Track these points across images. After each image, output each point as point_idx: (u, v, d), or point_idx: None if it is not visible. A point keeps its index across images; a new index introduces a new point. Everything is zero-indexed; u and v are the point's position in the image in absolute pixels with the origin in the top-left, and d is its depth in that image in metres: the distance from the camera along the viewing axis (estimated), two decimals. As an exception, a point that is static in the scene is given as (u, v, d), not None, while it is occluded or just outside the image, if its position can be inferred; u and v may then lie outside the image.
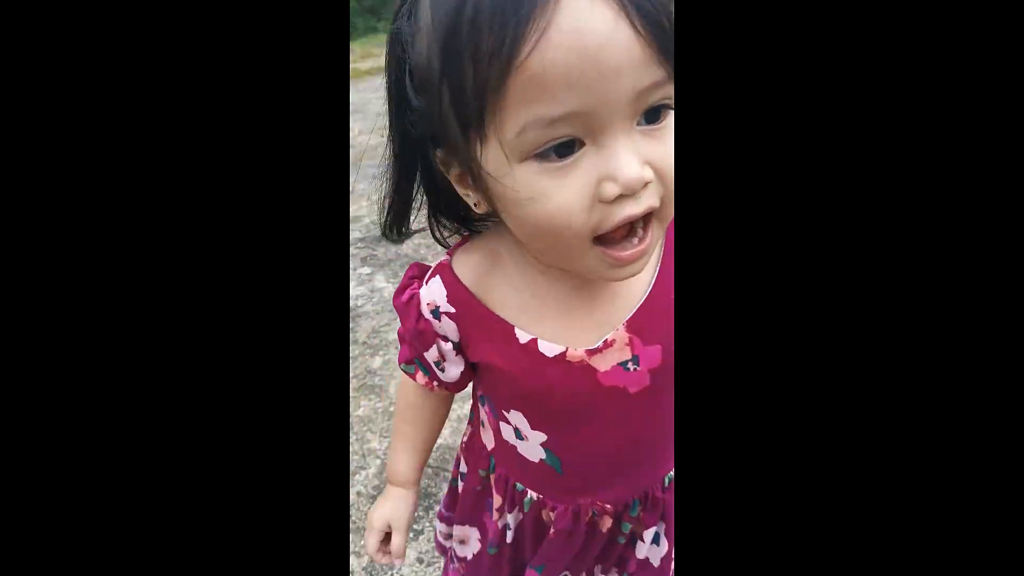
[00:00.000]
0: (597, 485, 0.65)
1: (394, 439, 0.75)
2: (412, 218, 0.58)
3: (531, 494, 0.68)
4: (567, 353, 0.56)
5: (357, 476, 1.43)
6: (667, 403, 0.59)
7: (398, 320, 0.63)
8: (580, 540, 0.67)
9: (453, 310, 0.59)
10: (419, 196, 0.57)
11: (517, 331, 0.57)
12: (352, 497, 1.38)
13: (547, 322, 0.57)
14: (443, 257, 0.61)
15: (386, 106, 0.51)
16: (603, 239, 0.45)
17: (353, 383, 1.71)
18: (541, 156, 0.42)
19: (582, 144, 0.42)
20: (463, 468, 0.76)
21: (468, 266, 0.59)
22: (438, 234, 0.61)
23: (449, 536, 0.80)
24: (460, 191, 0.52)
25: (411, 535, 1.25)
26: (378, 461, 1.47)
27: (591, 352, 0.56)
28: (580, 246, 0.45)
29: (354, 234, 2.54)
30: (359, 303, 2.04)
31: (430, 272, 0.61)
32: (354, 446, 1.50)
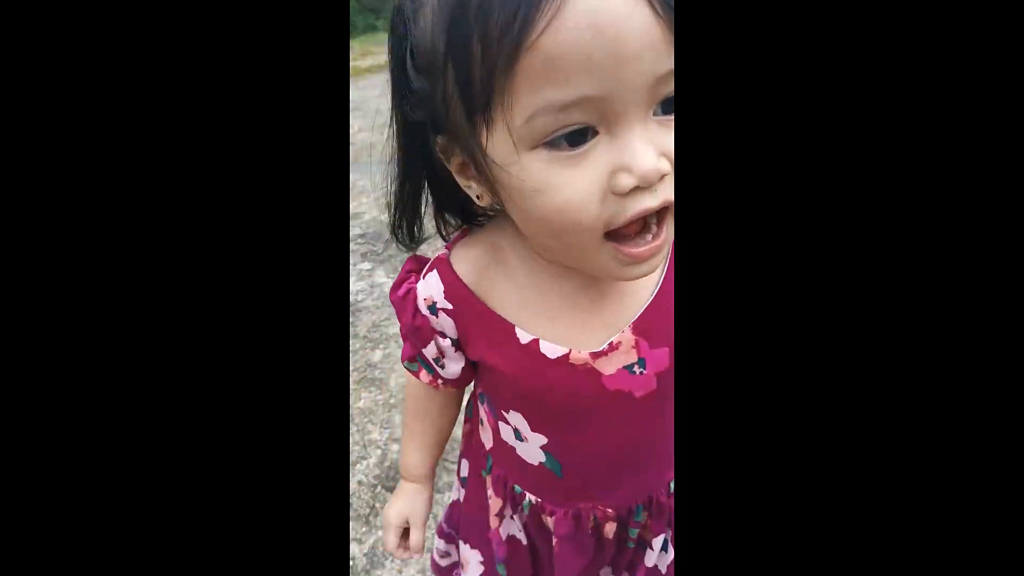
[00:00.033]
0: (598, 489, 0.61)
1: (404, 436, 0.71)
2: (422, 212, 0.54)
3: (530, 497, 0.64)
4: (570, 355, 0.52)
5: (358, 466, 1.43)
6: (673, 407, 0.54)
7: (399, 315, 0.59)
8: (590, 550, 0.64)
9: (451, 306, 0.55)
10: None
11: (518, 331, 0.53)
12: (353, 486, 1.38)
13: (550, 322, 0.53)
14: (441, 250, 0.58)
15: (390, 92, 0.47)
16: (615, 235, 0.42)
17: (354, 376, 1.70)
18: (551, 144, 0.39)
19: (595, 133, 0.39)
20: (464, 472, 0.73)
21: (467, 261, 0.55)
22: (444, 231, 0.57)
23: (446, 555, 0.77)
24: (461, 182, 0.48)
25: (411, 523, 1.25)
26: (378, 451, 1.47)
27: (596, 355, 0.52)
28: (591, 241, 0.42)
29: (354, 230, 2.53)
30: (359, 298, 2.04)
31: (427, 266, 0.57)
32: (355, 437, 1.50)
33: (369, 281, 2.12)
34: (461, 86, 0.39)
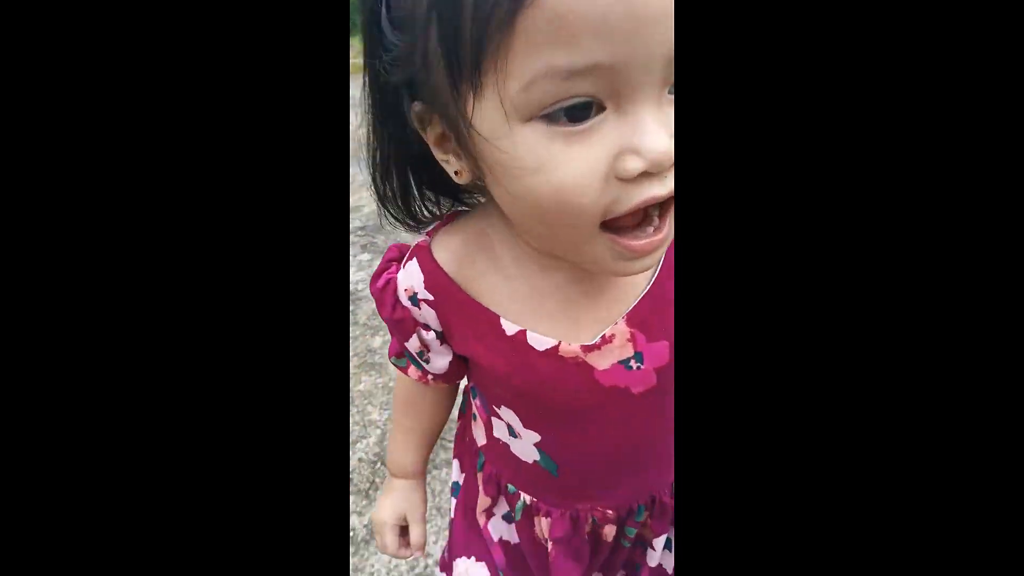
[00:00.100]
0: (597, 490, 0.55)
1: (395, 432, 0.64)
2: (411, 183, 0.46)
3: (524, 497, 0.58)
4: (559, 347, 0.46)
5: (358, 444, 1.44)
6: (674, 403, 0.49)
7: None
8: (586, 556, 0.57)
9: (432, 297, 0.48)
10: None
11: (503, 321, 0.47)
12: (353, 463, 1.39)
13: (538, 313, 0.47)
14: (422, 237, 0.51)
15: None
16: (612, 225, 0.35)
17: (354, 361, 1.70)
18: (549, 118, 0.32)
19: (601, 108, 0.32)
20: (458, 476, 0.65)
21: (449, 249, 0.48)
22: (420, 210, 0.49)
23: None
24: (439, 156, 0.40)
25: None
26: (378, 431, 1.47)
27: (588, 348, 0.46)
28: (585, 230, 0.35)
29: (354, 223, 2.52)
30: (359, 287, 2.04)
31: (407, 255, 0.50)
32: (355, 417, 1.51)
33: (368, 271, 2.12)
34: (446, 44, 0.32)
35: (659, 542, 0.58)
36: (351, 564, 1.16)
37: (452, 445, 0.69)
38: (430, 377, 0.56)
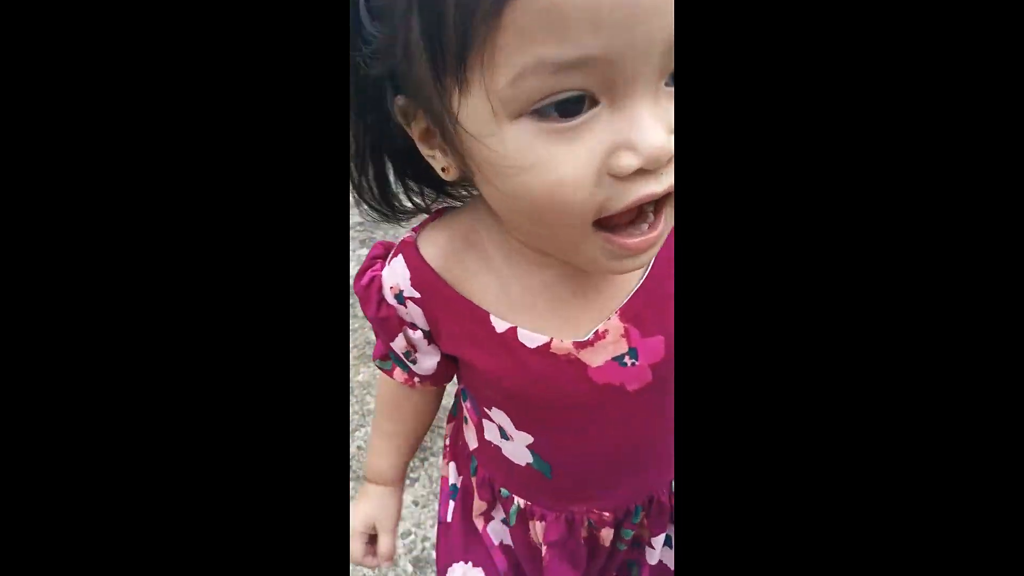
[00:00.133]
0: (592, 491, 0.52)
1: (373, 436, 0.61)
2: (392, 183, 0.44)
3: (518, 501, 0.55)
4: (551, 344, 0.44)
5: (357, 432, 1.45)
6: (673, 400, 0.46)
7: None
8: (583, 560, 0.55)
9: (418, 295, 0.46)
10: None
11: (493, 318, 0.44)
12: (353, 450, 1.40)
13: (529, 310, 0.44)
14: (407, 233, 0.48)
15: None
16: (606, 223, 0.34)
17: (354, 352, 1.71)
18: (539, 113, 0.30)
19: (594, 102, 0.30)
20: (454, 479, 0.62)
21: (437, 244, 0.46)
22: (401, 202, 0.46)
23: None
24: (425, 151, 0.38)
25: (407, 481, 1.27)
26: (377, 419, 1.49)
27: (580, 344, 0.44)
28: (578, 229, 0.33)
29: (354, 218, 2.51)
30: (359, 279, 2.03)
31: (392, 251, 0.48)
32: (355, 407, 1.52)
33: (368, 263, 2.12)
34: (429, 36, 0.30)
35: (658, 540, 0.56)
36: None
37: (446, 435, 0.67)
38: (416, 379, 0.53)
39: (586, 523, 0.54)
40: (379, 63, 0.34)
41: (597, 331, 0.44)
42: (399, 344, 0.50)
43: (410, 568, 1.14)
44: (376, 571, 1.13)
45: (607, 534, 0.54)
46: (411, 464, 1.36)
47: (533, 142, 0.31)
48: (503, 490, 0.56)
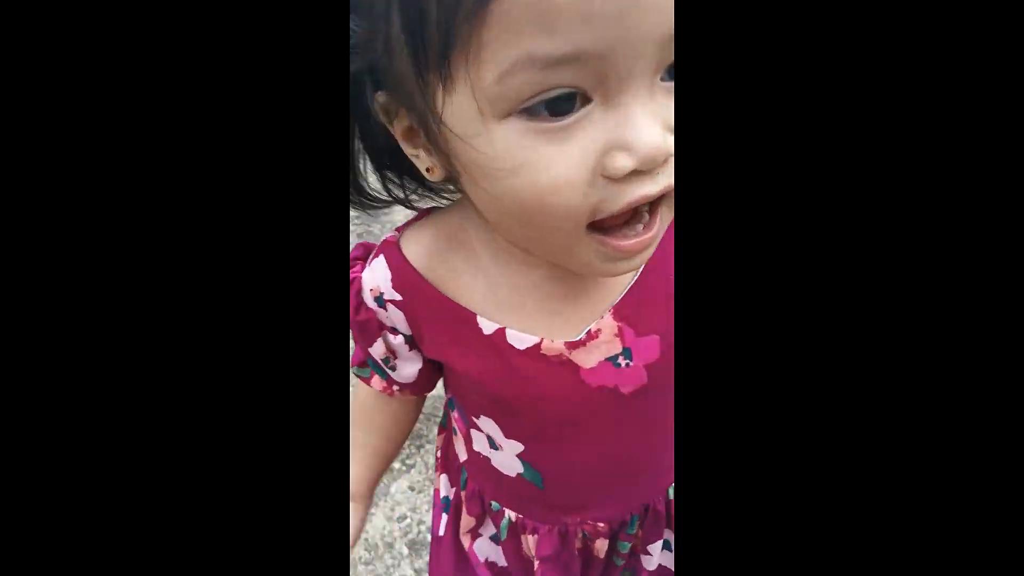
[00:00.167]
0: (586, 502, 0.50)
1: None
2: (361, 169, 0.41)
3: (509, 514, 0.52)
4: (541, 345, 0.41)
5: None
6: (670, 403, 0.45)
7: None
8: (577, 573, 0.52)
9: (400, 297, 0.43)
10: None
11: (480, 320, 0.42)
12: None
13: (519, 311, 0.42)
14: (391, 232, 0.45)
15: None
16: (599, 224, 0.32)
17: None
18: (529, 112, 0.28)
19: (586, 100, 0.28)
20: (446, 491, 0.59)
21: (421, 244, 0.43)
22: (397, 192, 0.44)
23: None
24: (408, 151, 0.36)
25: (403, 467, 1.29)
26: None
27: (572, 345, 0.41)
28: (572, 232, 0.32)
29: (352, 212, 2.50)
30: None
31: (373, 252, 0.45)
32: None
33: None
34: (410, 31, 0.28)
35: (655, 547, 0.54)
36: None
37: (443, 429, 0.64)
38: (396, 387, 0.50)
39: (580, 534, 0.51)
40: (358, 57, 0.32)
41: (590, 330, 0.42)
42: (378, 350, 0.47)
43: (406, 551, 1.16)
44: (373, 552, 1.16)
45: (601, 545, 0.51)
46: (408, 451, 1.38)
47: (522, 142, 0.29)
48: (494, 503, 0.53)
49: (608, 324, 0.42)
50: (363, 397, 0.54)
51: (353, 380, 0.50)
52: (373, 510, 1.21)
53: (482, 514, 0.55)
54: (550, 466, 0.48)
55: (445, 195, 0.45)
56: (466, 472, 0.55)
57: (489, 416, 0.48)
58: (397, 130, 0.35)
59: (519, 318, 0.42)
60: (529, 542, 0.53)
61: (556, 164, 0.29)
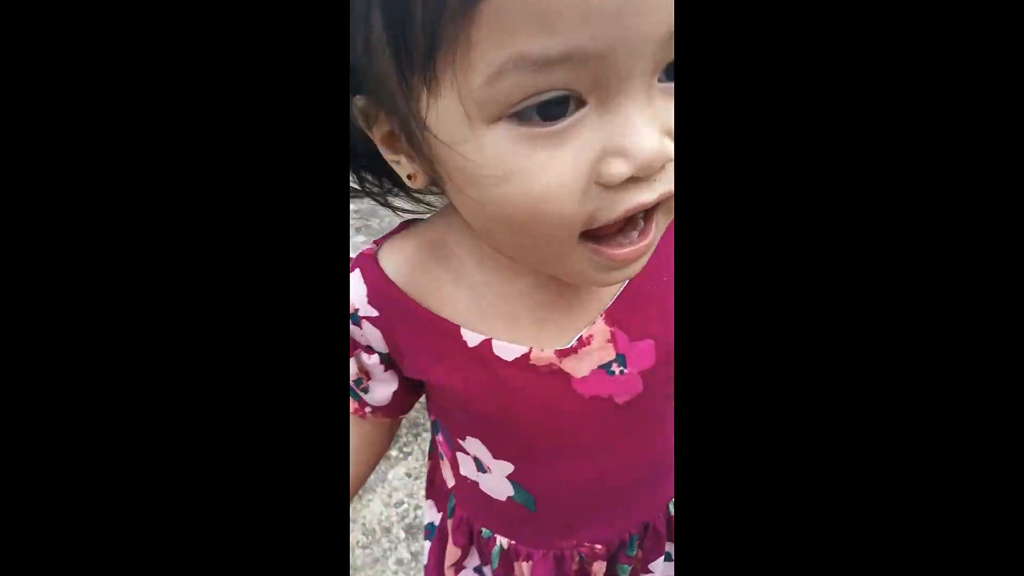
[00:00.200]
0: (582, 523, 0.47)
1: None
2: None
3: (500, 541, 0.49)
4: (530, 355, 0.39)
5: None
6: (667, 413, 0.42)
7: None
8: None
9: (376, 313, 0.40)
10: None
11: (464, 332, 0.39)
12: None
13: (506, 321, 0.39)
14: (368, 245, 0.43)
15: None
16: (593, 233, 0.30)
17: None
18: (519, 117, 0.27)
19: (580, 104, 0.27)
20: (431, 518, 0.55)
21: (402, 255, 0.41)
22: (373, 188, 0.41)
23: None
24: (388, 156, 0.33)
25: (401, 455, 1.31)
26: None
27: (563, 353, 0.39)
28: (564, 242, 0.30)
29: (351, 206, 2.50)
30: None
31: (349, 266, 0.42)
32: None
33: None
34: (393, 33, 0.26)
35: (656, 564, 0.51)
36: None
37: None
38: (368, 409, 0.46)
39: (577, 558, 0.48)
40: None
41: (581, 337, 0.39)
42: (350, 370, 0.44)
43: (402, 535, 1.19)
44: (370, 536, 1.18)
45: (599, 568, 0.48)
46: (405, 439, 1.40)
47: (513, 148, 0.27)
48: (484, 530, 0.50)
49: (600, 329, 0.39)
50: None
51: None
52: (371, 496, 1.24)
53: (468, 544, 0.51)
54: (542, 487, 0.45)
55: (424, 202, 0.42)
56: (454, 499, 0.52)
57: (475, 436, 0.45)
58: (376, 135, 0.33)
59: (506, 328, 0.39)
60: (523, 569, 0.49)
61: (549, 171, 0.27)
